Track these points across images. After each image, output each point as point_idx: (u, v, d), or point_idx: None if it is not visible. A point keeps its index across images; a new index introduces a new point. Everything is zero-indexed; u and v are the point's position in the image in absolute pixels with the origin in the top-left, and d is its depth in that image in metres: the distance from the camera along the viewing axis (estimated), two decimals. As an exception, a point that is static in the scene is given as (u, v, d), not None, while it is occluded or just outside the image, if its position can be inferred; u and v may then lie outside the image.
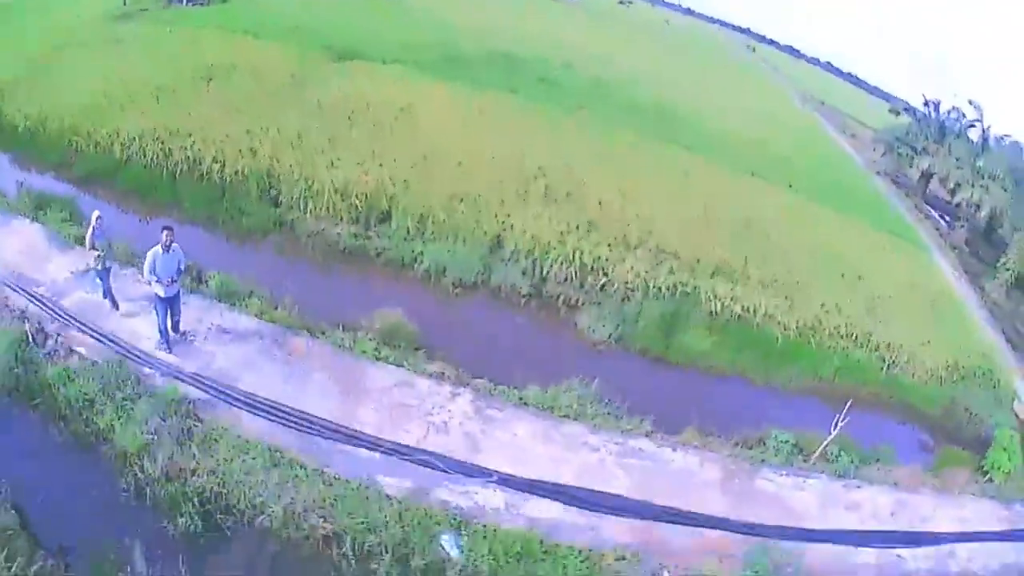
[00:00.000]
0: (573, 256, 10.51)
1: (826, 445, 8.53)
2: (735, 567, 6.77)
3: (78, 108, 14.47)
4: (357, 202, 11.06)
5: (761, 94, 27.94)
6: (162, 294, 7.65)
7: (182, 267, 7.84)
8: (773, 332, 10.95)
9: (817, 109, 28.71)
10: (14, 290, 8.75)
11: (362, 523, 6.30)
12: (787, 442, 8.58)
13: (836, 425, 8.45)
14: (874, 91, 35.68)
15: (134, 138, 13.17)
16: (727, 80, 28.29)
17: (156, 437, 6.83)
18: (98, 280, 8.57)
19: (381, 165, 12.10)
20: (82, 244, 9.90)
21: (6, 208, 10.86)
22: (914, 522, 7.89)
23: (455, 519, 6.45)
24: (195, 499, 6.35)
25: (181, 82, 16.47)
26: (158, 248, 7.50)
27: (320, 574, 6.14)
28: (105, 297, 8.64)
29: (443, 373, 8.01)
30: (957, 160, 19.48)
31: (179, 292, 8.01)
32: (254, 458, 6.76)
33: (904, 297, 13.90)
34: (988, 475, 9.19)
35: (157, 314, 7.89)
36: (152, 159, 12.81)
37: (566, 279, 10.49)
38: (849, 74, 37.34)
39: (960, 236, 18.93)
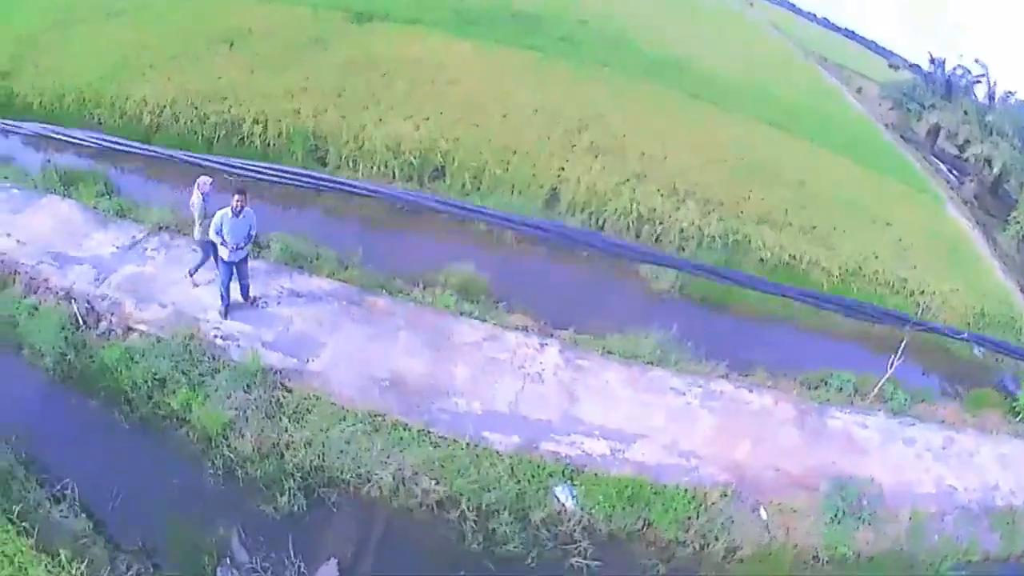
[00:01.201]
0: (630, 207, 10.44)
1: (882, 384, 8.85)
2: (818, 499, 7.09)
3: (96, 79, 13.81)
4: (411, 158, 10.67)
5: (769, 50, 27.67)
6: (226, 257, 7.33)
7: (252, 233, 7.45)
8: (819, 278, 11.13)
9: (821, 64, 28.54)
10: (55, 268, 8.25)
11: (475, 482, 6.16)
12: (849, 381, 8.88)
13: (892, 364, 8.72)
14: (871, 46, 35.61)
15: (164, 104, 12.64)
16: (735, 36, 27.88)
17: (242, 412, 6.46)
18: (195, 251, 7.99)
19: (428, 119, 11.67)
20: (125, 216, 9.60)
21: (32, 186, 10.33)
22: (963, 457, 8.25)
23: (566, 469, 6.46)
24: (295, 474, 6.03)
25: (199, 47, 15.77)
26: (227, 211, 7.14)
27: (437, 539, 5.93)
28: (192, 273, 8.12)
29: (527, 326, 7.94)
30: (965, 115, 19.71)
31: (247, 257, 7.64)
32: (352, 425, 6.46)
33: (929, 245, 14.16)
34: (1021, 415, 9.58)
35: (220, 278, 7.60)
36: (185, 125, 12.29)
37: (624, 229, 10.45)
38: (846, 29, 37.25)
39: (969, 190, 19.16)
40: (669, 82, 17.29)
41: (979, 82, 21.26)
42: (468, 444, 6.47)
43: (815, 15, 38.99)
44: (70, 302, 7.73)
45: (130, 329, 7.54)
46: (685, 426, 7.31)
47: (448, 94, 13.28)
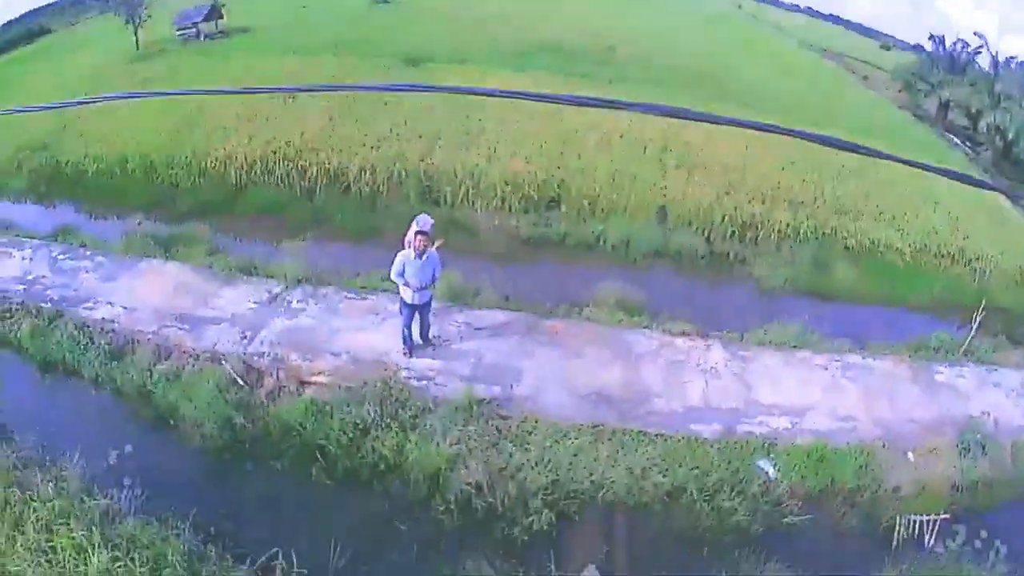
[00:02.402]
0: (735, 214, 11.70)
1: (970, 340, 10.16)
2: (948, 440, 8.09)
3: (163, 142, 14.33)
4: (531, 192, 11.66)
5: (778, 48, 29.23)
6: (409, 300, 7.24)
7: (437, 275, 7.32)
8: (894, 259, 12.40)
9: (824, 56, 30.13)
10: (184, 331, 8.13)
11: (695, 469, 6.72)
12: (943, 341, 10.05)
13: (975, 320, 9.79)
14: (857, 28, 37.18)
15: (253, 160, 13.16)
16: (741, 39, 29.43)
17: (464, 446, 6.57)
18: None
19: (533, 153, 12.68)
20: (250, 273, 9.44)
21: (122, 252, 10.23)
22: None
23: (763, 445, 7.39)
24: (538, 495, 6.18)
25: (259, 102, 16.29)
26: (409, 252, 7.05)
27: (676, 525, 6.38)
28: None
29: (686, 331, 9.02)
30: (972, 87, 21.21)
31: (430, 300, 7.55)
32: (575, 439, 6.81)
33: (973, 215, 15.54)
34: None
35: (402, 318, 7.54)
36: (281, 178, 12.81)
37: (728, 236, 11.71)
38: (830, 15, 38.93)
39: (986, 159, 20.51)
40: (711, 94, 18.56)
41: (979, 53, 22.79)
42: (680, 438, 7.21)
43: (798, 5, 40.49)
44: (219, 363, 7.46)
45: (304, 383, 7.37)
46: (837, 395, 8.36)
47: (540, 128, 14.30)
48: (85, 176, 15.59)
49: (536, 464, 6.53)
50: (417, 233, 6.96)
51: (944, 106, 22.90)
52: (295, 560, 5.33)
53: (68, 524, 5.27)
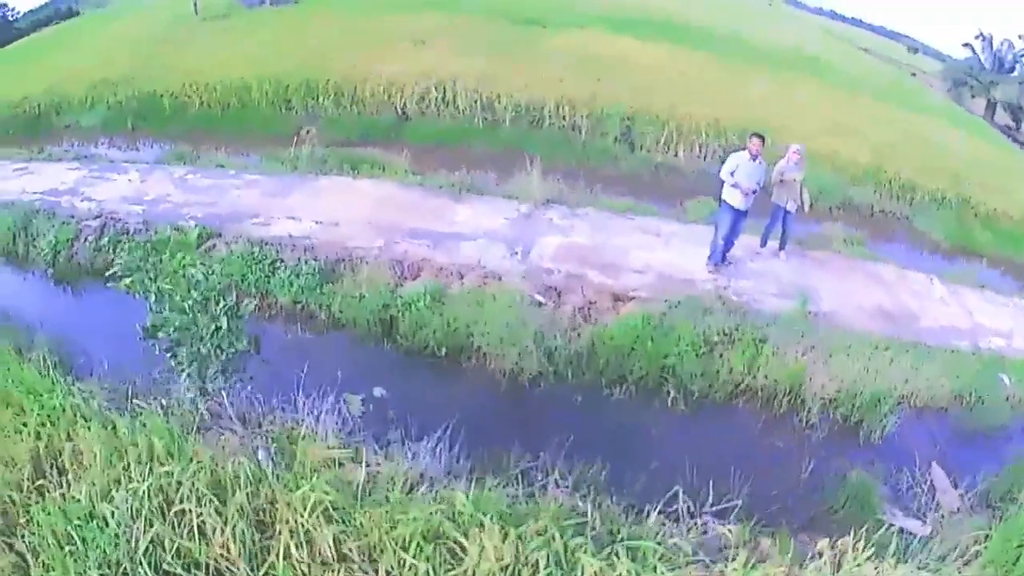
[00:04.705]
0: (893, 180, 12.64)
1: None
2: None
3: (279, 71, 14.40)
4: (733, 136, 11.85)
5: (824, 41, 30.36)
6: (736, 204, 7.00)
7: (760, 183, 7.03)
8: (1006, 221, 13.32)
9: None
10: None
11: (962, 379, 6.91)
12: None
13: None
14: (880, 31, 39.17)
15: (427, 89, 13.04)
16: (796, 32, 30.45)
17: (810, 360, 6.47)
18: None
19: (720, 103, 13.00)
20: (479, 193, 8.90)
21: (290, 169, 9.89)
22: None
23: (999, 361, 7.80)
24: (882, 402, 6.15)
25: (395, 44, 16.38)
26: (744, 154, 6.84)
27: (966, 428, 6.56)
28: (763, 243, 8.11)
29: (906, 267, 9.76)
30: (1021, 85, 23.03)
31: (745, 213, 7.22)
32: (887, 349, 6.85)
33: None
34: None
35: (717, 226, 7.30)
36: (462, 109, 12.73)
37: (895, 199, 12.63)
38: (853, 18, 40.82)
39: (1031, 156, 22.54)
40: (801, 70, 19.05)
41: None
42: (950, 351, 7.45)
43: (820, 8, 42.08)
44: (496, 280, 6.66)
45: (618, 300, 6.82)
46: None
47: (689, 88, 14.52)
48: (188, 108, 15.65)
49: (867, 373, 6.40)
50: (753, 135, 6.86)
51: (992, 105, 24.82)
52: (692, 501, 4.24)
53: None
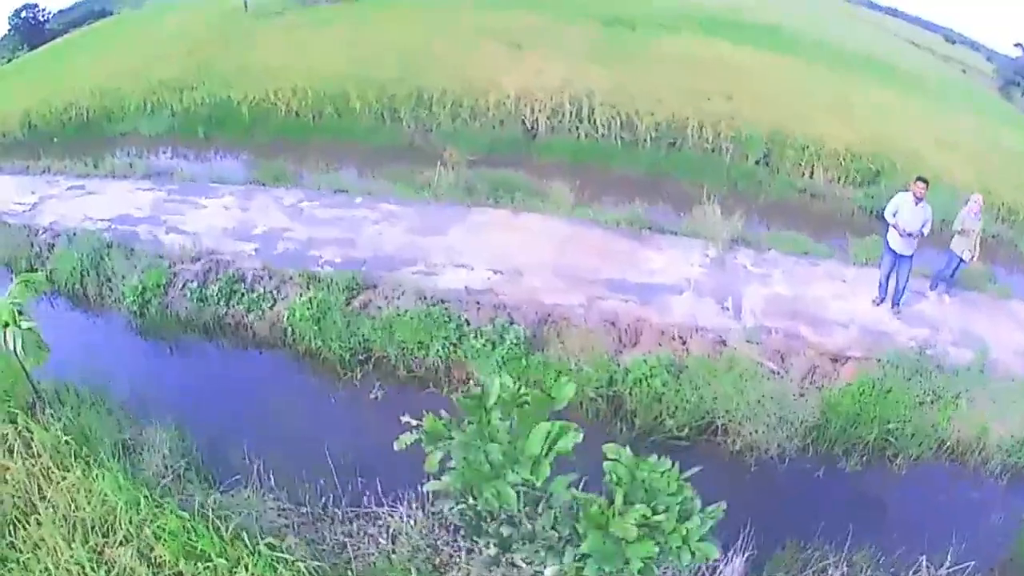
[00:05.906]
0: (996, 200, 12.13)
1: None
2: None
3: (380, 79, 13.75)
4: (870, 164, 11.72)
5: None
6: (895, 246, 7.02)
7: (925, 229, 6.96)
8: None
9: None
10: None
11: None
12: None
13: None
14: (916, 21, 38.85)
15: (560, 103, 12.52)
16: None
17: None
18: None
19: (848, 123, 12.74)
20: (652, 230, 8.44)
21: (428, 196, 9.19)
22: None
23: None
24: None
25: (487, 49, 15.72)
26: (908, 195, 6.86)
27: None
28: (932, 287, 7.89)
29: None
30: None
31: (912, 257, 7.13)
32: None
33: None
34: None
35: (881, 266, 7.39)
36: (596, 126, 12.22)
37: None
38: (889, 8, 40.44)
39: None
40: (872, 74, 18.78)
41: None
42: None
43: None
44: (720, 344, 6.42)
45: (835, 361, 6.67)
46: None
47: (817, 100, 14.24)
48: (272, 115, 14.83)
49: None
50: (917, 179, 6.91)
51: (1043, 106, 25.25)
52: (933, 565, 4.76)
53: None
